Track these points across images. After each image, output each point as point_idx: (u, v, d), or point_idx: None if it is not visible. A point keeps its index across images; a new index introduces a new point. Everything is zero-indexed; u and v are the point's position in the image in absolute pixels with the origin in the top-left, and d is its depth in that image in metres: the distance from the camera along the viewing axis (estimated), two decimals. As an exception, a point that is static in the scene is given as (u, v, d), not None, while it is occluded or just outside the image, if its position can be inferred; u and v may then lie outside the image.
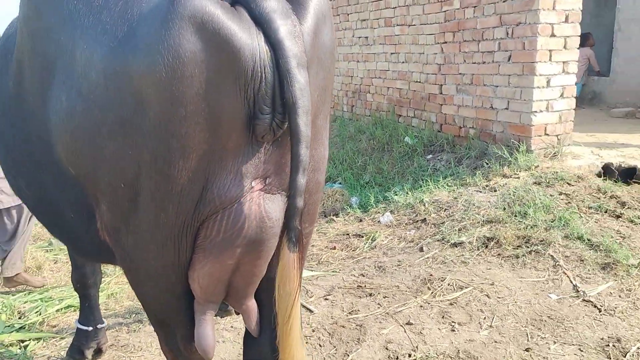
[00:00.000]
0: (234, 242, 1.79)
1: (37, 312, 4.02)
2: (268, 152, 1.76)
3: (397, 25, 7.66)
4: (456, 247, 4.63)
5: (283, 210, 1.81)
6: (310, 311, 3.76)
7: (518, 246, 4.47)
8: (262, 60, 1.63)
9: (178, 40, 1.54)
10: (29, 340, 3.60)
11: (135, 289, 2.11)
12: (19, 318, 3.99)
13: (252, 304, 2.05)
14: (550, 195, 5.03)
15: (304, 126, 1.67)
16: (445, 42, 6.83)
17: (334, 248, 5.15)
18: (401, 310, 3.66)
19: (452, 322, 3.52)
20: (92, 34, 1.69)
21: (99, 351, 3.28)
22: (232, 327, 3.57)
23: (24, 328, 3.80)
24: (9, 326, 3.82)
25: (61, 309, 4.09)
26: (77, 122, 1.74)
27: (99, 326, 3.26)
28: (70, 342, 3.38)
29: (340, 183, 7.12)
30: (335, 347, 3.30)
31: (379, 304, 3.78)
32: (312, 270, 4.52)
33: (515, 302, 3.75)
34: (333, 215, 6.01)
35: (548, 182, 5.29)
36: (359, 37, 8.58)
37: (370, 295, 3.91)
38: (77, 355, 3.24)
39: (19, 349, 3.51)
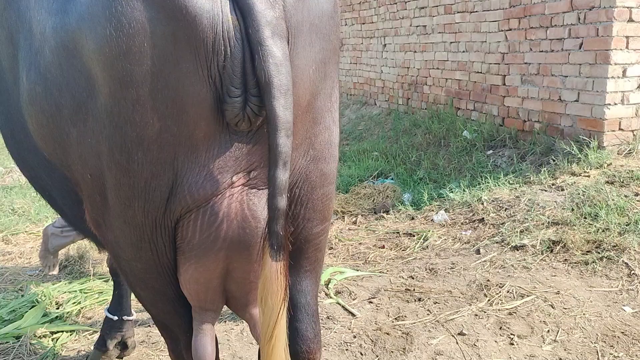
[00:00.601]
0: (214, 244, 1.58)
1: (74, 302, 3.91)
2: (251, 142, 1.52)
3: (458, 12, 7.22)
4: (517, 250, 4.23)
5: None
6: (353, 315, 3.48)
7: (588, 251, 4.04)
8: (226, 30, 1.37)
9: (121, 7, 1.30)
10: (62, 332, 3.49)
11: (130, 289, 1.92)
12: (57, 308, 3.90)
13: (257, 313, 1.81)
14: (625, 196, 4.54)
15: (281, 110, 1.41)
16: (510, 30, 6.36)
17: (383, 247, 4.84)
18: (453, 319, 3.32)
19: (511, 334, 3.16)
20: (44, 2, 1.48)
21: (124, 346, 3.10)
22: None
23: (60, 318, 3.69)
24: (45, 315, 3.73)
25: (99, 301, 3.97)
26: (38, 105, 1.57)
27: (125, 317, 3.09)
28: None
29: (392, 178, 6.78)
30: (377, 356, 3.01)
31: (428, 310, 3.45)
32: (357, 270, 4.23)
33: (584, 314, 3.34)
34: (383, 212, 5.69)
35: (622, 182, 4.79)
36: (417, 26, 8.18)
37: (420, 300, 3.59)
38: (100, 346, 3.10)
39: (51, 340, 3.39)
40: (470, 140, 6.74)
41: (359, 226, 5.44)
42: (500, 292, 3.60)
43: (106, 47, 1.34)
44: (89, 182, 1.60)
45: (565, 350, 3.02)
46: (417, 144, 7.48)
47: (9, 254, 4.96)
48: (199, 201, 1.53)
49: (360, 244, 4.96)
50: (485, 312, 3.39)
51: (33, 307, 3.75)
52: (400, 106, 8.81)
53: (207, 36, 1.36)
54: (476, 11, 6.88)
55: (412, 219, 5.38)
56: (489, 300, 3.52)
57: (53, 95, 1.52)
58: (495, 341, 3.11)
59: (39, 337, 3.41)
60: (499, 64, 6.59)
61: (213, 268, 1.63)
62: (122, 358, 3.14)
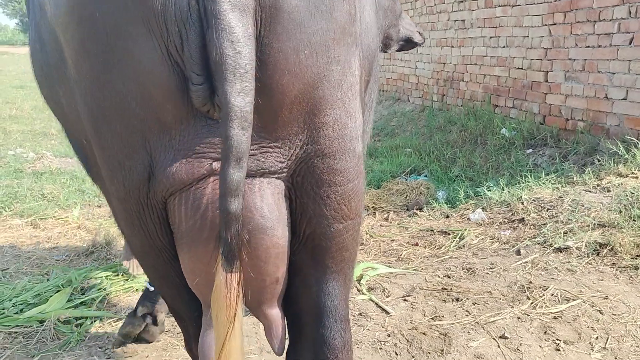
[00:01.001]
0: (201, 232, 1.44)
1: (99, 289, 3.82)
2: None
3: (499, 6, 6.98)
4: (561, 252, 4.01)
5: (275, 198, 1.47)
6: (386, 312, 3.31)
7: (637, 255, 3.79)
8: (180, 5, 1.22)
9: None
10: (86, 318, 3.40)
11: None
12: (82, 294, 3.81)
13: (274, 315, 1.66)
14: (678, 199, 4.27)
15: (235, 96, 1.23)
16: (554, 24, 6.10)
17: (416, 244, 4.65)
18: (494, 321, 3.13)
19: (557, 339, 2.95)
20: None
21: (154, 320, 2.99)
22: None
23: (84, 304, 3.60)
24: (69, 301, 3.64)
25: (124, 288, 3.88)
26: (38, 62, 1.59)
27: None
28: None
29: (425, 175, 6.57)
30: (414, 357, 2.83)
31: (467, 311, 3.26)
32: (390, 267, 4.06)
33: (635, 321, 3.11)
34: (416, 209, 5.50)
35: (674, 184, 4.52)
36: (455, 21, 7.94)
37: (457, 300, 3.40)
38: (132, 313, 3.04)
39: (75, 326, 3.30)
40: (508, 139, 6.50)
41: (390, 223, 5.26)
42: (544, 295, 3.39)
43: (62, 13, 1.28)
44: (88, 149, 1.54)
45: (615, 358, 2.81)
46: (452, 141, 7.26)
47: (36, 238, 4.92)
48: (177, 185, 1.41)
49: (392, 240, 4.78)
50: (528, 315, 3.18)
51: (58, 291, 3.67)
52: (435, 103, 8.59)
53: (157, 11, 1.22)
54: (519, 5, 6.64)
55: (447, 217, 5.18)
56: (532, 303, 3.31)
57: (44, 52, 1.50)
58: (540, 346, 2.90)
59: (63, 322, 3.32)
60: (541, 59, 6.33)
61: (206, 259, 1.47)
62: (149, 337, 3.04)
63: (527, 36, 6.52)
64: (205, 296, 1.59)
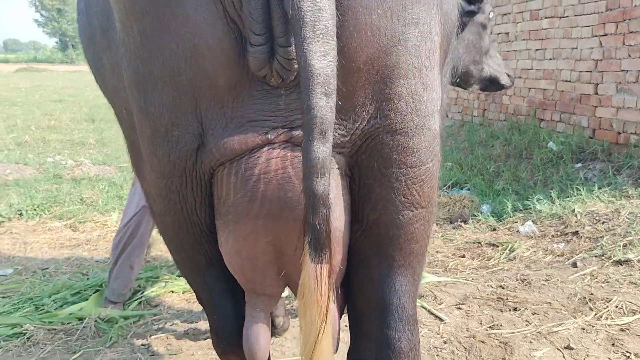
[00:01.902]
0: (251, 207, 1.29)
1: (138, 289, 3.73)
2: (290, 96, 1.23)
3: (546, 17, 6.82)
4: (621, 265, 3.78)
5: (333, 174, 1.29)
6: (440, 320, 3.14)
7: None
8: None
9: None
10: (127, 317, 3.30)
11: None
12: (121, 294, 3.73)
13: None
14: None
15: (316, 58, 1.08)
16: (605, 35, 5.92)
17: (463, 256, 4.47)
18: (557, 331, 2.93)
19: (627, 351, 2.74)
20: None
21: (272, 323, 2.85)
22: (347, 326, 3.04)
23: (124, 304, 3.51)
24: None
25: (164, 290, 3.78)
26: (81, 25, 1.53)
27: None
28: (165, 323, 3.03)
29: (468, 189, 6.39)
30: (473, 365, 2.66)
31: (526, 320, 3.07)
32: (438, 275, 3.88)
33: None
34: (461, 222, 5.32)
35: None
36: (498, 34, 7.80)
37: (515, 309, 3.21)
38: None
39: (115, 324, 3.20)
40: (556, 153, 6.29)
41: (434, 234, 5.08)
42: (607, 307, 3.17)
43: None
44: (125, 119, 1.44)
45: (693, 376, 2.59)
46: (494, 155, 7.07)
47: (75, 240, 4.89)
48: (228, 154, 1.29)
49: (437, 252, 4.61)
50: (593, 326, 2.97)
51: (97, 291, 3.60)
52: (475, 117, 8.42)
53: None
54: (567, 16, 6.47)
55: (494, 229, 4.99)
56: (595, 314, 3.10)
57: (89, 15, 1.42)
58: (609, 358, 2.69)
59: (103, 320, 3.23)
60: (591, 71, 6.14)
61: (254, 239, 1.34)
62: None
63: (576, 48, 6.34)
64: (251, 283, 1.46)
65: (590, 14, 6.11)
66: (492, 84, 3.35)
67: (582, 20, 6.24)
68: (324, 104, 1.12)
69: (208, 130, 1.29)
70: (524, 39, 7.27)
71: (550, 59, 6.78)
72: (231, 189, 1.32)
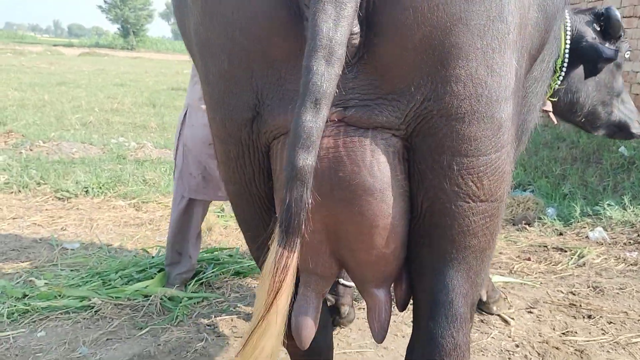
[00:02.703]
0: None
1: (202, 270, 3.76)
2: (350, 74, 1.16)
3: (624, 17, 6.51)
4: (702, 278, 3.58)
5: (389, 157, 1.23)
6: (506, 322, 3.03)
7: None
8: None
9: None
10: (191, 297, 3.33)
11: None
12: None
13: (380, 296, 1.43)
14: None
15: (325, 19, 1.04)
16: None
17: (529, 259, 4.32)
18: (637, 342, 2.79)
19: None
20: None
21: (337, 311, 2.84)
22: (406, 324, 2.98)
23: (189, 284, 3.54)
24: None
25: (230, 272, 3.79)
26: None
27: (341, 281, 2.81)
28: (229, 305, 3.04)
29: (532, 191, 6.18)
30: (548, 371, 2.55)
31: (602, 329, 2.93)
32: (504, 276, 3.77)
33: None
34: (525, 224, 5.15)
35: None
36: (571, 32, 7.52)
37: (590, 317, 3.08)
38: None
39: (180, 303, 3.24)
40: (627, 158, 6.01)
41: (496, 235, 4.94)
42: (690, 321, 3.01)
43: None
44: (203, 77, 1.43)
45: None
46: (560, 158, 6.82)
47: (139, 219, 4.98)
48: (283, 128, 1.26)
49: (500, 253, 4.47)
50: (676, 341, 2.82)
51: (161, 270, 3.64)
52: (540, 118, 8.13)
53: None
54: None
55: (561, 234, 4.81)
56: (677, 328, 2.94)
57: None
58: (695, 377, 2.54)
59: (169, 298, 3.27)
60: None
61: (307, 218, 1.28)
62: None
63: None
64: (304, 261, 1.41)
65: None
66: (620, 131, 3.15)
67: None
68: (322, 71, 1.06)
69: (264, 101, 1.28)
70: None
71: (626, 60, 6.47)
72: (284, 164, 1.30)
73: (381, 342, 1.53)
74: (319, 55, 1.06)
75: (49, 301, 3.17)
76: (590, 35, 2.76)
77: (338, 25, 1.06)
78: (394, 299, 1.54)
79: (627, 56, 2.93)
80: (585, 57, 2.71)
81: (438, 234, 1.35)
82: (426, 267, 1.40)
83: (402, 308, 1.56)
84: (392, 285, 1.51)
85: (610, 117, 3.04)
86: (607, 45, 2.78)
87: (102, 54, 38.87)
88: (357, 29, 1.15)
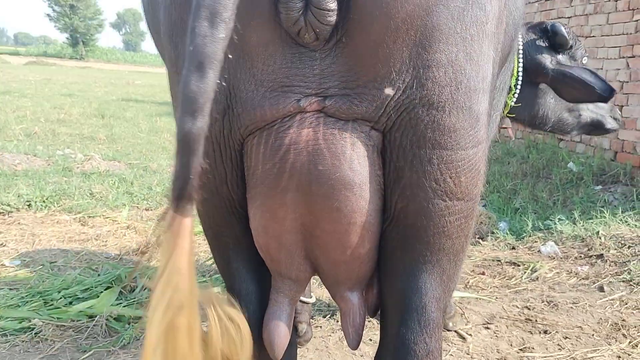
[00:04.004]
0: (279, 180, 1.21)
1: (147, 289, 3.60)
2: (325, 60, 1.14)
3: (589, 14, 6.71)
4: (651, 291, 3.66)
5: (369, 151, 1.20)
6: (463, 338, 3.01)
7: None
8: None
9: None
10: (138, 317, 3.17)
11: None
12: (131, 291, 3.59)
13: (353, 300, 1.39)
14: None
15: None
16: (633, 56, 5.83)
17: (483, 273, 4.34)
18: (592, 358, 2.80)
19: (666, 385, 2.61)
20: None
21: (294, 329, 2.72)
22: (370, 340, 2.91)
23: (137, 303, 3.38)
24: (120, 298, 3.43)
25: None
26: None
27: (302, 299, 2.70)
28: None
29: (484, 205, 6.27)
30: (506, 389, 2.53)
31: (559, 345, 2.94)
32: (460, 291, 3.76)
33: None
34: (478, 238, 5.20)
35: None
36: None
37: (546, 332, 3.08)
38: None
39: (127, 324, 3.08)
40: (576, 174, 6.18)
41: (451, 250, 4.96)
42: (642, 335, 3.05)
43: None
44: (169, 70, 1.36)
45: None
46: (511, 173, 6.96)
47: (85, 235, 4.76)
48: (257, 121, 1.21)
49: (455, 267, 4.48)
50: (629, 354, 2.84)
51: (108, 288, 3.47)
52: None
53: None
54: (593, 36, 6.39)
55: (513, 248, 4.86)
56: (630, 342, 2.97)
57: None
58: (648, 391, 2.57)
59: (115, 318, 3.10)
60: (616, 94, 6.02)
61: (281, 215, 1.26)
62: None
63: (601, 68, 6.24)
64: (277, 264, 1.36)
65: (618, 34, 6.02)
66: (596, 129, 3.20)
67: (609, 40, 6.15)
68: (206, 32, 1.00)
69: (236, 92, 1.21)
70: (547, 57, 7.18)
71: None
72: (260, 160, 1.24)
73: (356, 348, 1.47)
74: (200, 15, 1.00)
75: (-16, 323, 2.96)
76: (549, 58, 2.79)
77: None
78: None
79: (584, 61, 2.97)
80: (569, 87, 2.72)
81: (412, 236, 1.30)
82: (398, 271, 1.35)
83: (373, 313, 1.50)
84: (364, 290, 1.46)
85: (580, 119, 3.09)
86: (560, 57, 2.83)
87: (49, 63, 37.76)
88: (333, 5, 1.10)
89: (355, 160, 1.21)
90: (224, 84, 1.18)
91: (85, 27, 64.50)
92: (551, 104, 2.96)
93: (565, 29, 2.85)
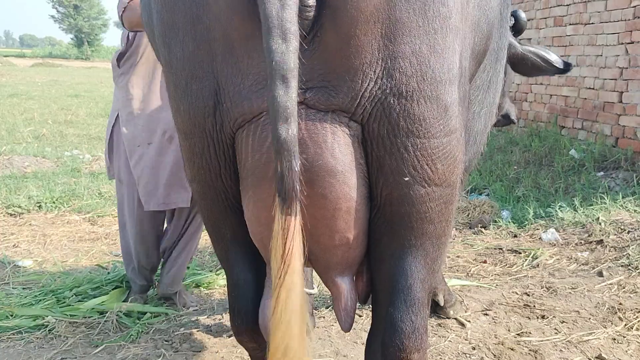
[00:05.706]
0: (267, 169, 1.29)
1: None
2: (307, 52, 1.21)
3: (570, 24, 6.76)
4: (649, 275, 3.72)
5: (349, 140, 1.29)
6: (463, 325, 3.09)
7: None
8: None
9: None
10: (148, 313, 3.27)
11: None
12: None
13: (344, 284, 1.47)
14: None
15: (272, 2, 1.12)
16: (632, 42, 5.84)
17: (485, 262, 4.41)
18: (588, 341, 2.87)
19: (660, 365, 2.68)
20: None
21: None
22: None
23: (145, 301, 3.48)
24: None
25: (185, 286, 3.74)
26: None
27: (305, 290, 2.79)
28: (189, 320, 3.00)
29: (487, 194, 6.32)
30: (503, 372, 2.61)
31: (555, 329, 3.01)
32: (461, 280, 3.84)
33: None
34: (481, 227, 5.26)
35: None
36: (520, 39, 7.72)
37: (543, 317, 3.16)
38: None
39: (137, 319, 3.18)
40: (578, 160, 6.22)
41: (454, 239, 5.03)
42: (638, 317, 3.11)
43: None
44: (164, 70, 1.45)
45: None
46: (514, 161, 7.00)
47: (94, 234, 4.88)
48: (245, 114, 1.29)
49: (457, 257, 4.55)
50: (624, 337, 2.92)
51: (117, 286, 3.57)
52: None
53: None
54: (592, 23, 6.41)
55: (515, 236, 4.93)
56: (625, 325, 3.04)
57: None
58: (642, 371, 2.64)
59: (125, 314, 3.20)
60: (615, 79, 6.06)
61: (272, 204, 1.31)
62: None
63: (601, 55, 6.27)
64: (269, 252, 1.43)
65: (617, 21, 6.03)
66: (504, 119, 3.31)
67: (608, 27, 6.17)
68: (283, 49, 1.12)
69: (224, 86, 1.29)
70: (547, 45, 7.19)
71: (574, 66, 6.70)
72: (249, 151, 1.33)
73: (348, 331, 1.56)
74: (274, 34, 1.12)
75: (0, 321, 3.07)
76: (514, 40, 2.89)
77: (285, 5, 1.13)
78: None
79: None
80: (530, 66, 2.84)
81: (397, 222, 1.39)
82: (386, 256, 1.44)
83: (364, 301, 1.60)
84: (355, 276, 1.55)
85: (502, 111, 3.19)
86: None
87: (55, 65, 37.94)
88: (312, 1, 1.19)
89: (336, 148, 1.29)
90: (213, 75, 1.29)
91: (90, 27, 64.64)
92: (505, 92, 3.08)
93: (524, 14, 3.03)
